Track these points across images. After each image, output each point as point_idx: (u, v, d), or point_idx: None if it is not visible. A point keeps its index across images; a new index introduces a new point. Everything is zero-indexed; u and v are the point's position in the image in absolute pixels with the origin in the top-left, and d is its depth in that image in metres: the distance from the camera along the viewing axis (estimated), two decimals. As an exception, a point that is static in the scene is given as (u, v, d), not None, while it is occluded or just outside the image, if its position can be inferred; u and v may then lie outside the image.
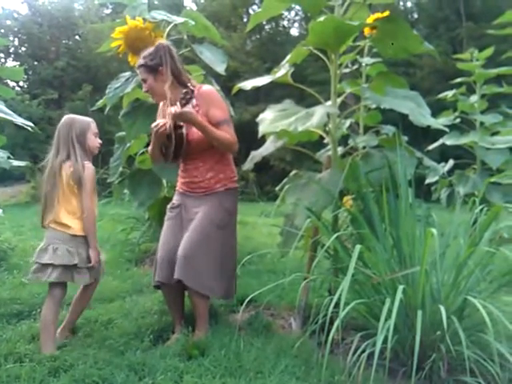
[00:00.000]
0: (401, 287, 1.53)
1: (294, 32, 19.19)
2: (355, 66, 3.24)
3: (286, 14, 19.34)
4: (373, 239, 1.81)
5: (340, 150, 2.86)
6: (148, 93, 2.33)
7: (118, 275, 3.46)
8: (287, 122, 1.98)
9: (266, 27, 19.89)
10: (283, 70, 2.44)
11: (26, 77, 15.55)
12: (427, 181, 4.93)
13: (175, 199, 2.38)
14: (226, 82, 3.52)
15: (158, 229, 3.85)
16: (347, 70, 3.03)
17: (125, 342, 2.12)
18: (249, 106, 13.98)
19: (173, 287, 2.22)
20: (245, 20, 19.52)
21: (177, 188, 2.42)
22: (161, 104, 2.41)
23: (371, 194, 1.96)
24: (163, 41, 2.46)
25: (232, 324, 2.34)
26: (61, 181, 2.13)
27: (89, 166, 2.16)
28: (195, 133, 2.20)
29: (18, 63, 15.39)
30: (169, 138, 2.19)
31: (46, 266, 2.08)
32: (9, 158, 3.66)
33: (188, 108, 2.19)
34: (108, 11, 19.63)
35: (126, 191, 4.01)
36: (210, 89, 2.30)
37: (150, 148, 2.38)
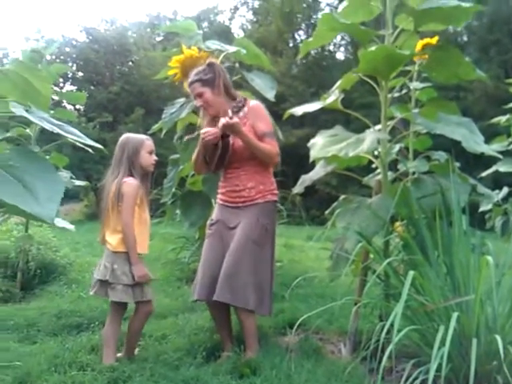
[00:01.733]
0: (455, 314, 1.52)
1: (340, 56, 19.33)
2: (404, 91, 3.26)
3: (332, 37, 19.54)
4: (426, 265, 1.81)
5: (389, 174, 2.88)
6: (202, 107, 2.43)
7: (169, 293, 3.59)
8: (338, 147, 2.04)
9: (312, 52, 20.10)
10: (333, 97, 2.50)
11: (82, 100, 16.45)
12: (481, 209, 4.80)
13: (214, 215, 2.48)
14: (273, 106, 3.62)
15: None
16: (396, 95, 3.06)
17: (178, 358, 2.21)
18: (294, 129, 14.12)
19: (217, 305, 2.29)
20: (291, 45, 19.90)
21: (217, 201, 2.52)
22: (207, 119, 2.50)
23: (423, 221, 1.97)
24: (213, 60, 2.61)
25: (281, 346, 2.38)
26: (109, 199, 2.23)
27: (130, 183, 2.20)
28: (239, 142, 2.33)
29: (76, 87, 16.32)
30: (215, 147, 2.32)
31: (95, 280, 2.23)
32: (71, 177, 3.92)
33: (238, 117, 2.31)
34: (159, 38, 20.59)
35: (177, 211, 4.15)
36: (258, 104, 2.44)
37: (194, 156, 2.51)
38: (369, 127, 2.50)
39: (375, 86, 2.37)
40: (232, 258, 2.23)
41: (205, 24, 22.73)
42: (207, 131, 2.29)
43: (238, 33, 22.56)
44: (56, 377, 1.97)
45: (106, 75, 16.27)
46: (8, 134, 3.61)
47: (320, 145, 2.08)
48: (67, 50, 16.48)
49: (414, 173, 3.20)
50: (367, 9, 2.40)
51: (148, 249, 2.30)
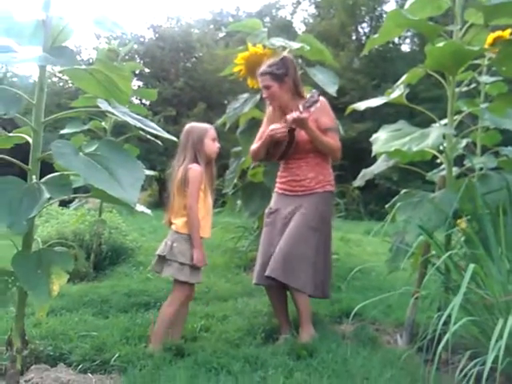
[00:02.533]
0: (515, 308, 1.53)
1: (405, 48, 18.73)
2: (473, 85, 3.19)
3: (396, 30, 18.98)
4: (487, 260, 1.81)
5: (454, 170, 2.84)
6: (268, 99, 2.53)
7: (229, 278, 3.75)
8: (401, 142, 2.06)
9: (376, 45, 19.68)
10: (398, 91, 2.51)
11: (148, 95, 17.19)
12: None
13: (272, 203, 2.58)
14: (334, 100, 3.62)
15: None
16: (465, 89, 3.00)
17: (239, 337, 2.34)
18: (355, 123, 13.94)
19: (275, 289, 2.42)
20: (353, 38, 19.55)
21: (275, 190, 2.62)
22: (269, 109, 2.64)
23: (487, 216, 1.95)
24: (287, 54, 2.69)
25: (337, 333, 2.44)
26: (175, 184, 2.31)
27: (195, 169, 2.27)
28: (303, 135, 2.42)
29: (143, 83, 17.02)
30: (280, 141, 2.42)
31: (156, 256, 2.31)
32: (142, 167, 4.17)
33: (310, 111, 2.35)
34: (222, 34, 20.95)
35: (238, 202, 4.30)
36: (323, 99, 2.51)
37: (255, 147, 2.61)
38: (434, 122, 2.49)
39: (442, 80, 2.36)
40: (288, 241, 2.34)
41: (267, 19, 22.81)
42: (276, 128, 2.40)
43: (299, 27, 22.46)
44: (128, 348, 2.15)
45: (171, 71, 16.83)
46: (85, 127, 3.90)
47: (383, 139, 2.11)
48: (135, 46, 17.20)
49: (481, 169, 3.13)
50: (435, 4, 2.38)
51: (210, 234, 2.37)
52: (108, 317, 2.76)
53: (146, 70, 17.54)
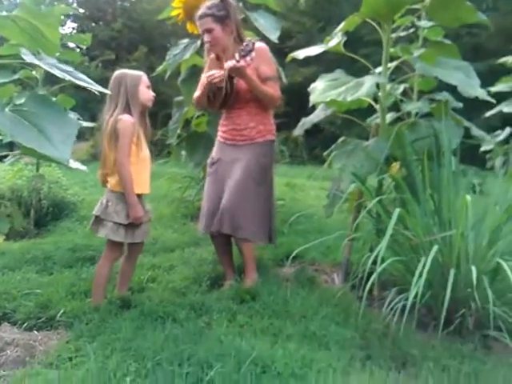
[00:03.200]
0: (435, 247, 1.68)
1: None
2: (412, 30, 3.24)
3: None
4: (414, 204, 1.94)
5: (391, 115, 2.95)
6: (210, 43, 2.44)
7: (176, 229, 3.78)
8: (337, 91, 2.11)
9: (321, -16, 19.24)
10: (336, 39, 2.53)
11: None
12: (482, 148, 4.87)
13: (214, 153, 2.59)
14: (279, 44, 3.56)
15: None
16: (404, 33, 3.04)
17: (185, 286, 2.41)
18: (300, 67, 13.83)
19: (221, 238, 2.49)
20: (299, -23, 18.98)
21: (217, 139, 2.63)
22: (210, 57, 2.57)
23: (416, 162, 2.07)
24: None
25: (279, 276, 2.58)
26: (105, 137, 2.15)
27: (125, 120, 2.11)
28: (243, 84, 2.40)
29: (77, 25, 15.91)
30: (219, 88, 2.39)
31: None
32: (78, 119, 4.00)
33: (247, 60, 2.35)
34: (162, -30, 19.69)
35: (183, 152, 4.26)
36: (264, 46, 2.48)
37: (197, 95, 2.58)
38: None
39: (378, 27, 2.39)
40: (231, 193, 2.38)
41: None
42: (213, 74, 2.36)
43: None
44: (73, 303, 2.16)
45: (108, 11, 15.75)
46: (15, 77, 3.65)
47: (320, 89, 2.15)
48: (66, -16, 15.87)
49: (416, 114, 3.26)
50: None
51: (149, 188, 2.26)
52: (52, 273, 2.73)
53: (81, 11, 16.35)
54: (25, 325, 2.02)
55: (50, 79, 4.22)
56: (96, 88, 2.02)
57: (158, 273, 2.65)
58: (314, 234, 3.31)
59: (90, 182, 7.23)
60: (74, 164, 2.04)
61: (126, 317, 1.98)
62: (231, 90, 2.43)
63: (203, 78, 2.57)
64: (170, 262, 2.81)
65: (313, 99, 2.17)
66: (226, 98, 2.46)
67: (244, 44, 2.35)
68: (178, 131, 4.01)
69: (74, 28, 16.17)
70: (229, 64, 2.29)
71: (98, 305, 2.12)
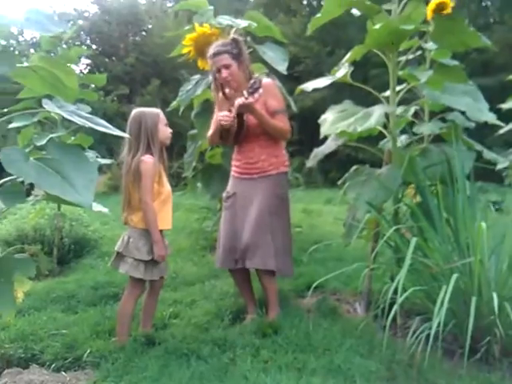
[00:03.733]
0: (455, 276, 1.67)
1: (356, 11, 18.70)
2: (419, 52, 3.28)
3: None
4: (431, 231, 1.95)
5: (404, 138, 2.97)
6: (227, 79, 2.49)
7: (196, 261, 3.82)
8: (346, 123, 2.15)
9: (327, 8, 19.54)
10: (343, 70, 2.58)
11: (99, 73, 16.66)
12: (498, 167, 4.84)
13: (229, 187, 2.64)
14: (288, 69, 3.61)
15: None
16: (411, 56, 3.08)
17: (207, 321, 2.43)
18: (311, 92, 13.99)
19: (239, 272, 2.52)
20: (305, 2, 19.37)
21: (232, 173, 2.67)
22: (219, 95, 2.61)
23: (429, 188, 2.09)
24: (238, 36, 2.69)
25: (301, 307, 2.58)
26: (128, 177, 2.21)
27: (147, 161, 2.17)
28: (252, 119, 2.47)
29: (91, 61, 16.40)
30: (231, 126, 2.45)
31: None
32: (97, 157, 4.12)
33: (255, 97, 2.43)
34: (170, 4, 20.31)
35: (198, 184, 4.33)
36: (270, 82, 2.56)
37: (210, 133, 2.67)
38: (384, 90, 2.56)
39: (383, 57, 2.44)
40: (252, 229, 2.41)
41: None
42: (222, 116, 2.42)
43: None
44: (99, 343, 2.20)
45: (121, 47, 16.24)
46: (35, 119, 3.78)
47: (330, 121, 2.20)
48: (80, 22, 16.46)
49: (429, 135, 3.27)
50: (373, -21, 2.44)
51: (171, 223, 2.32)
52: (77, 312, 2.78)
53: (94, 47, 16.90)
54: (53, 366, 2.06)
55: (69, 120, 4.38)
56: (115, 132, 2.10)
57: (180, 308, 2.68)
58: (334, 262, 3.31)
59: (112, 216, 7.33)
60: (96, 207, 2.11)
61: (151, 355, 2.01)
62: (241, 125, 2.50)
63: (215, 117, 2.65)
64: (191, 297, 2.83)
65: (323, 131, 2.21)
66: (237, 133, 2.53)
67: (251, 81, 2.43)
68: (194, 164, 4.09)
69: (88, 65, 16.69)
70: (238, 101, 2.36)
71: (123, 343, 2.15)
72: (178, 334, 2.27)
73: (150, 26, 17.01)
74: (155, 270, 2.23)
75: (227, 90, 2.57)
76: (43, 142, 4.12)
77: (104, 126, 2.06)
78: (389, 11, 2.40)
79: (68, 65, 2.07)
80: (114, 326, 2.39)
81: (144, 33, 17.17)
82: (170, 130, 2.34)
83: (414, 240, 1.73)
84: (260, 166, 2.52)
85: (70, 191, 1.64)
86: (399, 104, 2.54)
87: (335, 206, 6.20)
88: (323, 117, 2.32)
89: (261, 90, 2.41)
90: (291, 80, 2.79)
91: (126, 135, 2.02)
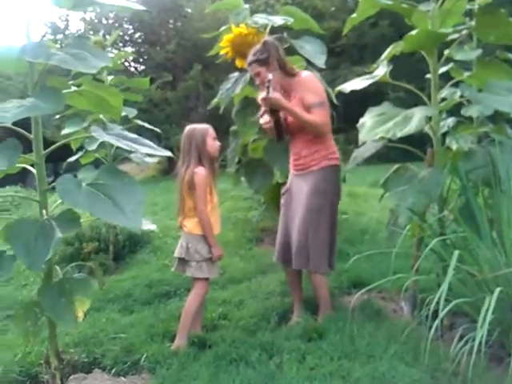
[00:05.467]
0: (498, 289, 1.65)
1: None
2: (464, 31, 3.13)
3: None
4: (476, 239, 1.92)
5: (452, 121, 2.87)
6: (261, 85, 2.57)
7: (243, 255, 3.93)
8: (385, 127, 2.12)
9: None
10: (381, 69, 2.53)
11: (142, 61, 17.00)
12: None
13: (288, 182, 2.71)
14: (330, 43, 3.50)
15: (273, 210, 4.23)
16: (456, 36, 2.94)
17: (255, 323, 2.53)
18: (354, 65, 13.64)
19: (291, 270, 2.63)
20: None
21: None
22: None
23: (473, 193, 2.04)
24: (267, 37, 2.74)
25: (345, 307, 2.61)
26: (183, 186, 2.47)
27: (200, 173, 2.41)
28: (288, 115, 2.52)
29: (134, 49, 16.68)
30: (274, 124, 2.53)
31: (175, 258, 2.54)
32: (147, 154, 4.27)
33: (270, 94, 2.41)
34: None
35: (242, 178, 4.40)
36: (308, 75, 2.57)
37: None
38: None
39: (425, 55, 2.36)
40: (297, 229, 2.49)
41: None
42: (264, 120, 2.53)
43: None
44: (154, 347, 2.35)
45: (162, 34, 16.40)
46: (85, 124, 3.95)
47: (368, 127, 2.17)
48: (121, 14, 16.69)
49: (478, 117, 3.14)
50: (410, -25, 2.35)
51: (219, 229, 2.56)
52: (133, 311, 2.97)
53: (136, 36, 17.15)
54: (113, 370, 2.23)
55: (119, 121, 4.54)
56: (160, 153, 2.20)
57: (228, 308, 2.80)
58: (380, 256, 3.28)
59: (162, 203, 7.57)
60: (145, 226, 2.23)
61: (202, 361, 2.13)
62: (278, 122, 2.54)
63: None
64: (238, 297, 2.94)
65: (362, 137, 2.19)
66: (277, 131, 2.57)
67: (266, 79, 2.43)
68: (237, 159, 4.16)
69: (132, 51, 16.99)
70: (259, 98, 2.47)
71: (178, 348, 2.30)
72: (228, 336, 2.38)
73: (189, 10, 17.01)
74: (215, 268, 2.49)
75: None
76: (95, 146, 4.29)
77: (149, 147, 2.17)
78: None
79: (113, 88, 2.17)
80: (167, 329, 2.55)
81: (184, 18, 17.21)
82: (218, 144, 2.53)
83: (456, 252, 1.71)
84: (302, 162, 2.56)
85: (121, 217, 1.75)
86: (443, 86, 2.44)
87: (381, 189, 6.03)
88: (361, 121, 2.29)
89: (271, 89, 2.40)
90: (333, 55, 2.72)
91: (170, 154, 2.13)
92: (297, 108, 2.46)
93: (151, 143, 2.17)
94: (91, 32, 14.78)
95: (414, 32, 1.96)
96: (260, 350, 2.19)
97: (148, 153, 2.12)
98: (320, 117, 2.45)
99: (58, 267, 2.01)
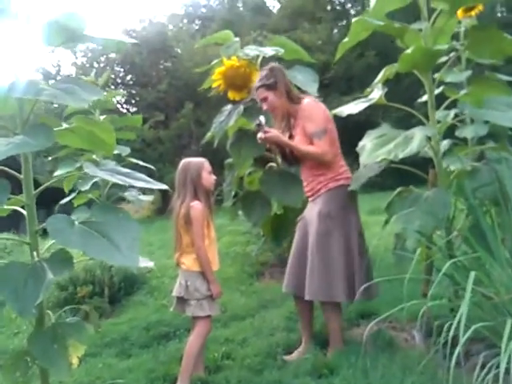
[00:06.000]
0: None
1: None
2: (452, 53, 3.13)
3: (370, -6, 18.73)
4: (489, 259, 1.83)
5: (446, 142, 2.85)
6: (268, 110, 2.60)
7: (243, 291, 3.79)
8: (386, 149, 2.07)
9: (352, 11, 19.41)
10: (376, 92, 2.51)
11: (134, 102, 17.22)
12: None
13: (305, 210, 2.65)
14: (319, 76, 3.53)
15: (273, 243, 4.14)
16: (445, 58, 2.94)
17: (260, 361, 2.39)
18: (343, 96, 13.84)
19: (301, 299, 2.48)
20: (329, 9, 19.27)
21: None
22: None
23: (482, 210, 1.97)
24: (274, 63, 2.72)
25: (356, 340, 2.48)
26: (178, 221, 2.39)
27: (197, 207, 2.34)
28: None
29: (125, 92, 16.89)
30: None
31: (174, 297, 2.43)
32: (139, 194, 4.21)
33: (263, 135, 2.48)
34: (196, 27, 20.75)
35: (239, 212, 4.32)
36: (308, 103, 2.54)
37: None
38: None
39: (420, 76, 2.34)
40: (310, 257, 2.40)
41: (239, 4, 22.56)
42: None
43: (273, 5, 22.24)
44: (155, 391, 2.21)
45: (153, 75, 16.67)
46: (78, 165, 3.89)
47: (368, 149, 2.12)
48: (112, 55, 17.03)
49: (472, 138, 3.12)
50: (399, -3, 2.36)
51: (218, 265, 2.46)
52: (131, 355, 2.82)
53: (128, 78, 17.41)
54: (112, 419, 2.08)
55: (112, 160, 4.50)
56: (155, 186, 2.12)
57: (231, 347, 2.66)
58: (387, 284, 3.17)
59: (157, 243, 7.45)
60: (142, 263, 2.14)
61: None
62: (284, 153, 2.61)
63: None
64: (242, 334, 2.80)
65: (363, 160, 2.14)
66: (283, 158, 2.68)
67: (256, 122, 2.52)
68: (233, 193, 4.10)
69: (123, 95, 17.18)
70: (259, 136, 2.50)
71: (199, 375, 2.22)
72: (233, 377, 2.24)
73: (178, 51, 17.38)
74: (216, 305, 2.39)
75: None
76: (87, 186, 4.19)
77: (144, 181, 2.09)
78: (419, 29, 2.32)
79: (105, 123, 2.11)
80: (168, 372, 2.41)
81: (174, 58, 17.56)
82: (213, 177, 2.48)
83: (472, 275, 1.62)
84: (311, 187, 2.54)
85: (116, 255, 1.65)
86: (437, 108, 2.43)
87: (381, 216, 5.97)
88: (361, 144, 2.25)
89: (265, 128, 2.48)
90: (322, 87, 2.74)
91: (165, 187, 2.05)
92: (296, 141, 2.48)
93: (145, 177, 2.10)
94: (83, 76, 15.01)
95: (409, 50, 1.94)
96: (268, 390, 2.05)
97: (143, 186, 2.05)
98: (320, 147, 2.42)
99: (50, 312, 1.89)
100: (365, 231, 5.60)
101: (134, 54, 16.68)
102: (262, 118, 2.51)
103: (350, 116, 2.55)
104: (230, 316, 3.20)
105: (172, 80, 16.13)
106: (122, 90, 17.11)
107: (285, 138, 2.52)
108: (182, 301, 2.38)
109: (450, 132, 2.88)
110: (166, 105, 15.77)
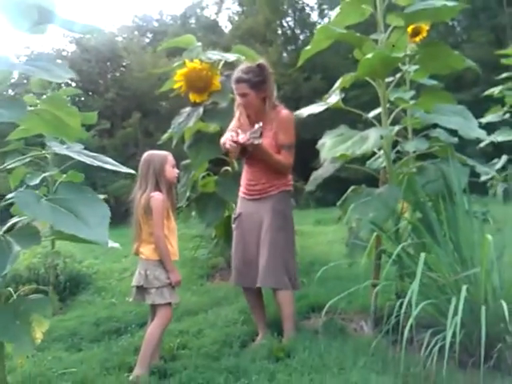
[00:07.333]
0: (465, 287, 1.74)
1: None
2: (398, 74, 3.41)
3: (320, 20, 19.60)
4: (434, 245, 2.02)
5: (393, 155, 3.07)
6: (244, 106, 2.53)
7: (195, 291, 3.80)
8: (345, 146, 2.24)
9: (301, 37, 20.15)
10: (334, 97, 2.69)
11: (79, 109, 16.71)
12: (482, 178, 5.00)
13: (237, 208, 2.70)
14: None
15: (225, 245, 4.19)
16: (391, 79, 3.20)
17: (217, 350, 2.43)
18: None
19: (252, 291, 2.58)
20: (279, 32, 19.91)
21: (239, 194, 2.72)
22: (240, 109, 2.59)
23: (429, 204, 2.17)
24: (263, 61, 2.59)
25: (308, 329, 2.59)
26: (138, 212, 2.40)
27: (157, 198, 2.35)
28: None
29: (69, 98, 16.40)
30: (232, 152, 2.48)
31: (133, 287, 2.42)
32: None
33: (255, 142, 2.38)
34: (148, 40, 20.65)
35: (193, 214, 4.35)
36: (287, 114, 2.54)
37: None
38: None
39: (374, 84, 2.55)
40: (265, 250, 2.46)
41: (192, 20, 22.73)
42: (230, 141, 2.40)
43: (225, 25, 22.61)
44: (110, 378, 2.18)
45: (100, 83, 16.34)
46: (27, 159, 3.77)
47: (328, 146, 2.28)
48: (59, 61, 16.49)
49: (414, 151, 3.38)
50: (359, 11, 2.58)
51: (178, 255, 2.48)
52: (81, 349, 2.75)
53: (73, 85, 16.94)
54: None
55: (59, 158, 4.38)
56: (123, 170, 2.14)
57: (187, 338, 2.67)
58: (333, 281, 3.34)
59: (100, 249, 7.20)
60: (111, 244, 2.14)
61: (167, 388, 2.00)
62: (245, 154, 2.52)
63: (231, 126, 2.64)
64: (196, 327, 2.82)
65: (323, 156, 2.29)
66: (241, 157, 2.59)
67: (256, 126, 2.39)
68: (188, 194, 4.13)
69: (68, 100, 16.68)
70: (239, 138, 2.37)
71: (138, 378, 2.14)
72: (190, 364, 2.26)
73: (128, 62, 17.18)
74: (175, 294, 2.41)
75: (243, 117, 2.58)
76: (36, 181, 4.09)
77: (112, 164, 2.10)
78: (375, 40, 2.53)
79: (71, 107, 2.11)
80: (123, 361, 2.38)
81: (123, 68, 17.34)
82: (176, 171, 2.51)
83: (422, 255, 1.79)
84: (260, 188, 2.56)
85: (85, 229, 1.65)
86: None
87: (326, 227, 6.28)
88: (321, 142, 2.40)
89: (261, 140, 2.40)
90: None
91: (131, 171, 2.08)
92: (266, 145, 2.43)
93: (113, 160, 2.12)
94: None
95: (369, 55, 2.13)
96: (226, 374, 2.09)
97: (111, 169, 2.06)
98: (286, 159, 2.51)
99: (11, 289, 1.84)
100: (309, 239, 5.79)
101: (82, 62, 16.31)
102: (261, 124, 2.40)
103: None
104: (182, 311, 3.19)
105: (120, 90, 15.88)
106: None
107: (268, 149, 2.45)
108: (141, 290, 2.37)
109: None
110: (112, 113, 15.46)
